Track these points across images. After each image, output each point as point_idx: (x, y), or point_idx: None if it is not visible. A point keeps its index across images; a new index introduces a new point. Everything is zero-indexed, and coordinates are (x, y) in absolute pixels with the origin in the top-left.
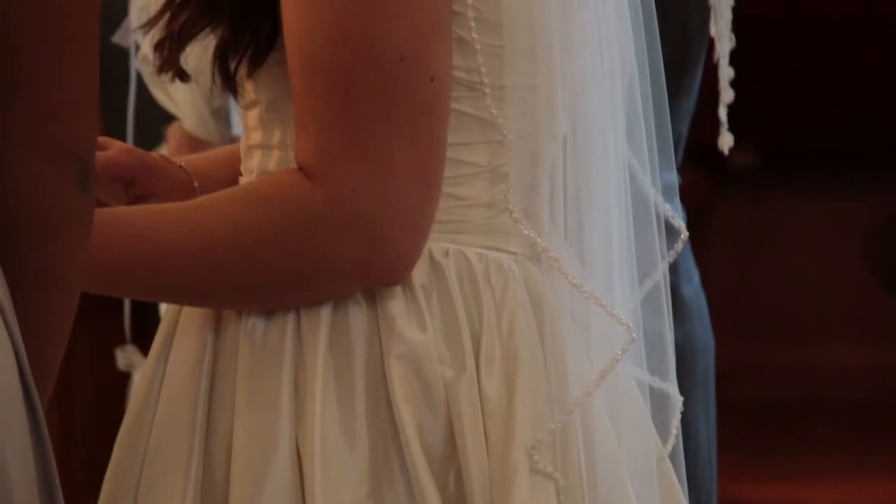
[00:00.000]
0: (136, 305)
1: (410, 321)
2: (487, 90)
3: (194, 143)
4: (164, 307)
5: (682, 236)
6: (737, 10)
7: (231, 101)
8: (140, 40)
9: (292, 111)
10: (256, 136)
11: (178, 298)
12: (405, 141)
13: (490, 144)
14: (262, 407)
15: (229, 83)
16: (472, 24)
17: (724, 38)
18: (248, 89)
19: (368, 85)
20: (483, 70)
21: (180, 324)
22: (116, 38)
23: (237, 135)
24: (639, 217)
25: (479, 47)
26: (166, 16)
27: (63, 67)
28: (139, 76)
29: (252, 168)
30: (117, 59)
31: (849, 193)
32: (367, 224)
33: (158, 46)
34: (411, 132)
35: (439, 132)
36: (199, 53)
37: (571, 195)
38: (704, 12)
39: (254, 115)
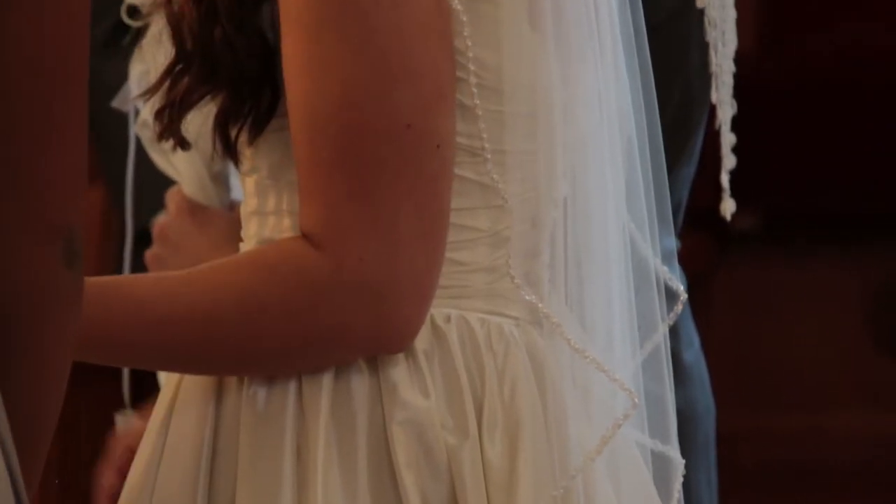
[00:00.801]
0: (135, 370)
1: (413, 387)
2: (489, 155)
3: (193, 208)
4: (163, 373)
5: (682, 299)
6: (738, 77)
7: (231, 165)
8: (139, 105)
9: (289, 177)
10: (253, 203)
11: (182, 367)
12: (412, 209)
13: (491, 209)
14: (265, 474)
15: (230, 151)
16: (475, 89)
17: (725, 105)
18: (247, 156)
19: (376, 153)
20: (484, 135)
21: (181, 393)
22: (116, 104)
23: (237, 199)
24: (639, 281)
25: (480, 113)
26: (166, 83)
27: (50, 143)
28: (138, 141)
29: (250, 235)
30: (117, 124)
31: (851, 258)
32: (375, 293)
33: (158, 114)
34: (418, 200)
35: (444, 199)
36: (199, 119)
37: (572, 259)
38: (705, 79)
39: (251, 181)
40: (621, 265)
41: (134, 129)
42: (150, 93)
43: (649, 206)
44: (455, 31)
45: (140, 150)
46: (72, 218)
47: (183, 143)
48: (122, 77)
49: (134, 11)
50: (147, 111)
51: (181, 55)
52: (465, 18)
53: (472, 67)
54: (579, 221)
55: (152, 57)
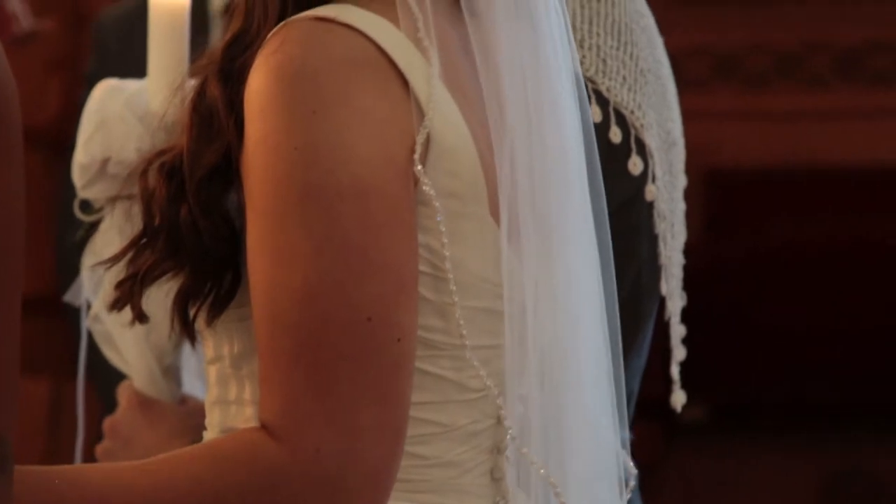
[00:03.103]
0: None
1: None
2: (450, 350)
3: (144, 402)
4: None
5: (631, 485)
6: (687, 269)
7: (182, 359)
8: (91, 299)
9: (252, 367)
10: (215, 392)
11: None
12: (371, 401)
13: (453, 404)
14: None
15: (187, 329)
16: (436, 284)
17: (675, 296)
18: (209, 343)
19: (336, 345)
20: (447, 330)
21: None
22: (67, 298)
23: (188, 393)
24: (599, 468)
25: (442, 307)
26: (129, 255)
27: None
28: (90, 335)
29: (213, 424)
30: (70, 318)
31: (800, 449)
32: (331, 485)
33: (119, 285)
34: (377, 392)
35: (404, 392)
36: (151, 309)
37: (539, 455)
38: (655, 271)
39: (214, 370)
40: (588, 455)
41: (85, 323)
42: (112, 261)
43: (611, 397)
44: (424, 226)
45: (92, 344)
46: (1, 423)
47: (142, 317)
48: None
49: (86, 206)
50: (99, 305)
51: (148, 230)
52: (440, 218)
53: (434, 261)
54: (546, 415)
55: (104, 251)
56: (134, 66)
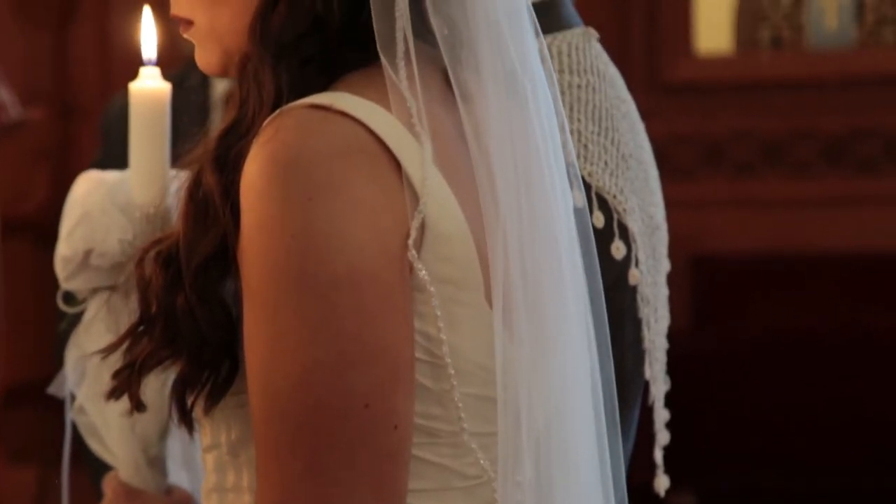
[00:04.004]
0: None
1: None
2: (449, 437)
3: (130, 493)
4: None
5: None
6: (671, 353)
7: (168, 449)
8: (75, 391)
9: (249, 454)
10: (213, 479)
11: None
12: (367, 490)
13: (452, 491)
14: None
15: (185, 418)
16: (434, 370)
17: (658, 381)
18: (206, 430)
19: (333, 433)
20: (445, 417)
21: None
22: (51, 390)
23: (173, 483)
24: None
25: (440, 394)
26: (126, 343)
27: None
28: (74, 427)
29: None
30: (55, 410)
31: None
32: None
33: (116, 374)
34: (374, 480)
35: (401, 480)
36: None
37: None
38: (639, 355)
39: (211, 457)
40: None
41: (70, 415)
42: (109, 350)
43: (602, 482)
44: (420, 313)
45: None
46: None
47: (139, 406)
48: (59, 363)
49: (69, 297)
50: (83, 397)
51: (145, 318)
52: (436, 304)
53: (430, 347)
54: (543, 500)
55: (88, 342)
56: None
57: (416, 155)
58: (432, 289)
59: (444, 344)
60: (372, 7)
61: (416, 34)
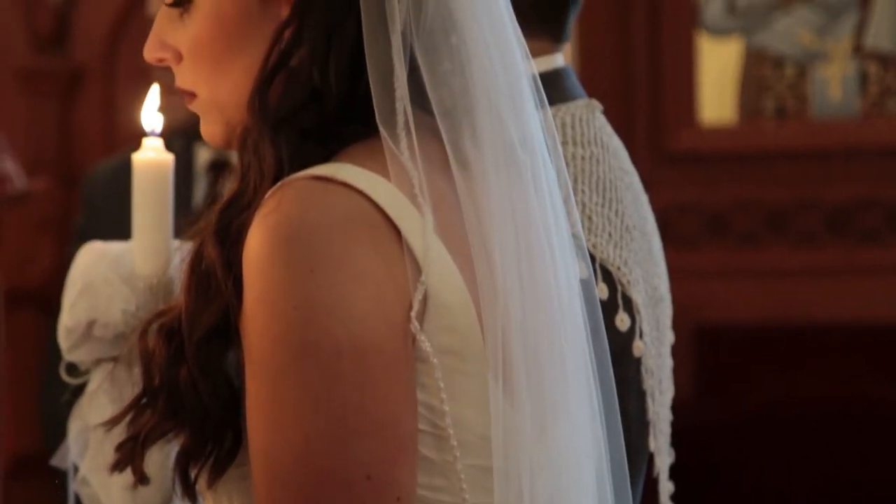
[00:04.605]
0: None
1: None
2: None
3: None
4: None
5: None
6: (675, 425)
7: None
8: (79, 463)
9: None
10: None
11: None
12: None
13: None
14: None
15: (189, 491)
16: (437, 442)
17: (663, 453)
18: (209, 502)
19: None
20: (446, 488)
21: None
22: (54, 461)
23: None
24: None
25: (444, 465)
26: (129, 415)
27: None
28: (78, 499)
29: None
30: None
31: None
32: None
33: (120, 446)
34: None
35: None
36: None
37: None
38: (643, 427)
39: None
40: None
41: (73, 487)
42: (113, 423)
43: None
44: (422, 384)
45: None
46: None
47: (143, 479)
48: (62, 435)
49: (72, 368)
50: (87, 468)
51: (148, 390)
52: (439, 374)
53: (433, 419)
54: None
55: (91, 414)
56: (122, 221)
57: (417, 225)
58: (435, 360)
59: (447, 415)
60: (370, 79)
61: (416, 104)
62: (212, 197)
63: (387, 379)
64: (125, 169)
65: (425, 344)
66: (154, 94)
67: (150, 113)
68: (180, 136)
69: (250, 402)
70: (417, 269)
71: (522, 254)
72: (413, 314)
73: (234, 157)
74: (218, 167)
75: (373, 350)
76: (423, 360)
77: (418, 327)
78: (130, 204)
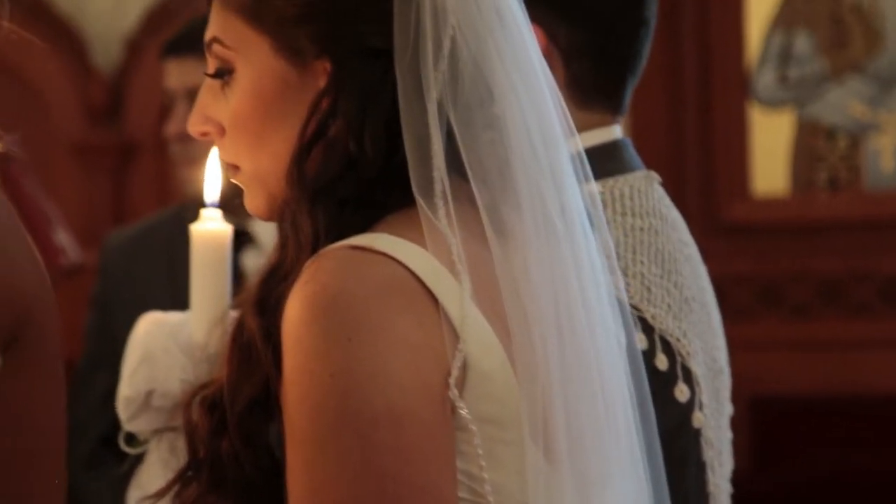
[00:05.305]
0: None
1: None
2: None
3: None
4: None
5: None
6: (735, 498)
7: None
8: None
9: None
10: None
11: None
12: None
13: None
14: None
15: None
16: None
17: None
18: None
19: None
20: None
21: None
22: None
23: None
24: None
25: None
26: (175, 487)
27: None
28: None
29: None
30: None
31: None
32: None
33: None
34: None
35: None
36: None
37: None
38: (703, 500)
39: None
40: None
41: None
42: (158, 496)
43: None
44: (462, 451)
45: None
46: None
47: None
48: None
49: (131, 438)
50: None
51: (192, 462)
52: (478, 441)
53: (472, 486)
54: None
55: (150, 484)
56: (136, 289)
57: (454, 292)
58: (474, 427)
59: (487, 483)
60: (406, 148)
61: (452, 171)
62: (233, 266)
63: (425, 447)
64: (140, 237)
65: (464, 411)
66: (213, 163)
67: (210, 183)
68: (196, 207)
69: (290, 471)
70: (455, 336)
71: (562, 321)
72: (452, 381)
73: (251, 226)
74: (236, 237)
75: (411, 418)
76: (463, 429)
77: (457, 394)
78: (146, 272)
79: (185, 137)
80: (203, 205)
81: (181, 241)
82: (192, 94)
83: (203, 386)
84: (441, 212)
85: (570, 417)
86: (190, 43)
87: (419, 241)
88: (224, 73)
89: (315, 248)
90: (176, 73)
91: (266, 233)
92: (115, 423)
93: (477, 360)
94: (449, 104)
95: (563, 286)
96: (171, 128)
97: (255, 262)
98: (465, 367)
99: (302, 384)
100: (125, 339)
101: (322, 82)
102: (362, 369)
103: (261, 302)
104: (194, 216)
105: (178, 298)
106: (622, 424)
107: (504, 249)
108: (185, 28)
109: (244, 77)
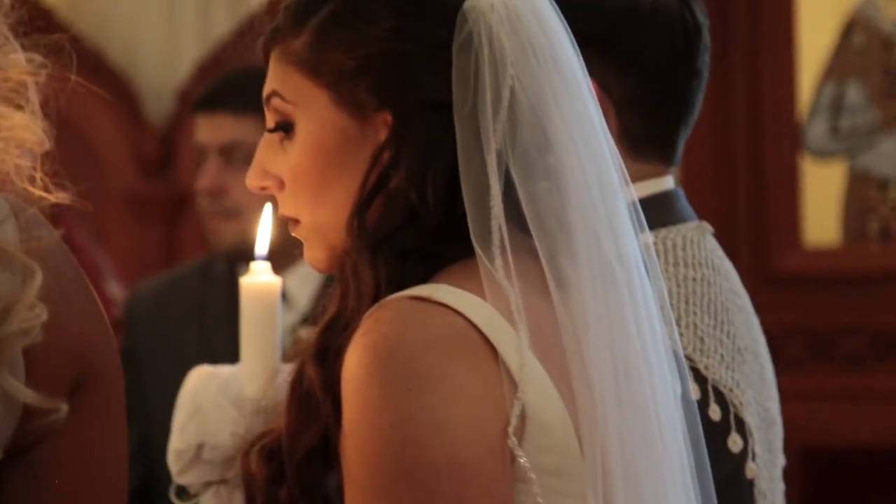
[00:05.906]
0: None
1: None
2: None
3: None
4: None
5: None
6: None
7: None
8: None
9: None
10: None
11: None
12: None
13: None
14: None
15: None
16: None
17: None
18: None
19: None
20: None
21: None
22: None
23: None
24: None
25: None
26: None
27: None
28: None
29: None
30: None
31: None
32: None
33: None
34: None
35: None
36: None
37: None
38: None
39: None
40: None
41: None
42: None
43: None
44: (520, 502)
45: None
46: None
47: None
48: None
49: (182, 492)
50: None
51: None
52: (537, 490)
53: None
54: None
55: None
56: (165, 342)
57: (513, 342)
58: (533, 476)
59: None
60: (465, 198)
61: (512, 222)
62: None
63: (485, 497)
64: (167, 290)
65: (524, 460)
66: (266, 217)
67: (262, 236)
68: (223, 259)
69: None
70: (514, 385)
71: (620, 370)
72: (511, 430)
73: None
74: None
75: (470, 469)
76: (523, 480)
77: (516, 443)
78: (174, 324)
79: (214, 192)
80: (230, 258)
81: (209, 293)
82: (222, 150)
83: (261, 436)
84: (499, 262)
85: (627, 468)
86: (220, 98)
87: (478, 291)
88: (284, 127)
89: (376, 299)
90: (206, 129)
91: (298, 290)
92: (145, 477)
93: (536, 409)
94: (508, 153)
95: (622, 335)
96: (202, 182)
97: (286, 318)
98: (524, 417)
99: (361, 434)
100: (153, 391)
101: (383, 135)
102: (422, 420)
103: (321, 352)
104: (222, 268)
105: (208, 350)
106: (679, 474)
107: (564, 299)
108: (215, 84)
109: (304, 130)
